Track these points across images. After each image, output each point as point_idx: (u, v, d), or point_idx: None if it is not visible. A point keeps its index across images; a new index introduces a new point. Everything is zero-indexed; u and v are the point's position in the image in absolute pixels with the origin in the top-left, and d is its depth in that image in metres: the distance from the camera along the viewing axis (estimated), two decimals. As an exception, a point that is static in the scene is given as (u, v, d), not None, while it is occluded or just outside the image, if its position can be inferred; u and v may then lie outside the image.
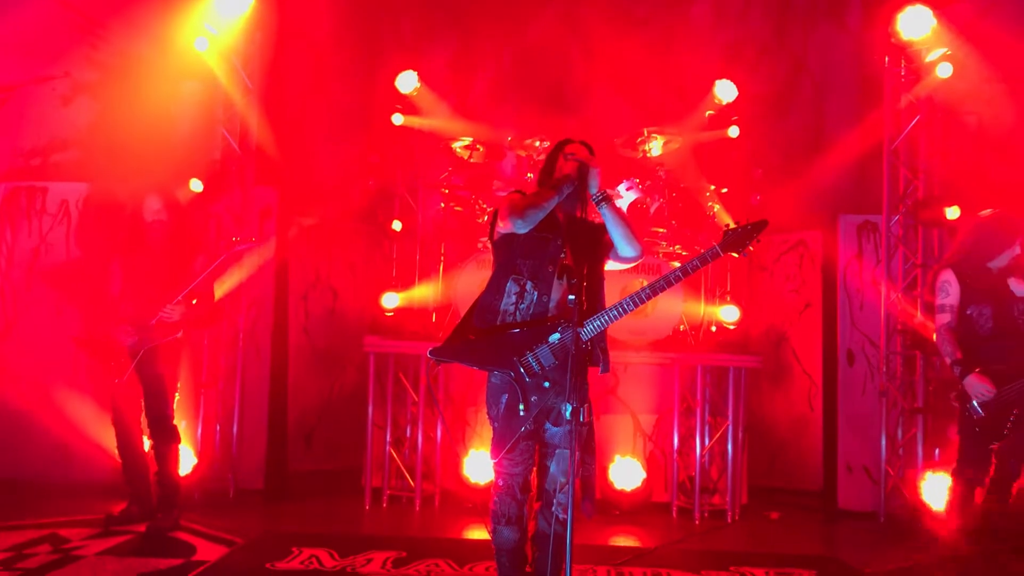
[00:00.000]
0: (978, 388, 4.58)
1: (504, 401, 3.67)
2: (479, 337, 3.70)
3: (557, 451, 3.68)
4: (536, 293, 3.68)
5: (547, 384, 3.61)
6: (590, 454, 3.76)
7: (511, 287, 3.70)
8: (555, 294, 3.68)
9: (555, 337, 3.59)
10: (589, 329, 3.59)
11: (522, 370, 3.61)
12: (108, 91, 6.96)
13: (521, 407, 3.61)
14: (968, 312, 4.75)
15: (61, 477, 6.27)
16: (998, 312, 4.70)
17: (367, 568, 4.67)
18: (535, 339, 3.62)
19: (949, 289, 4.79)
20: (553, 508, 3.67)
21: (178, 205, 5.52)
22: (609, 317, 3.60)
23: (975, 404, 4.63)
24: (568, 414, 3.35)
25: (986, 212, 4.89)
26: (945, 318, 4.77)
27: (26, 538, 5.02)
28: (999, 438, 4.66)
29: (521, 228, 3.65)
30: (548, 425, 3.70)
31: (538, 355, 3.61)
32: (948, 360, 4.74)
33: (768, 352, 7.33)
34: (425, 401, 6.45)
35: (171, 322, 5.24)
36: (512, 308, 3.69)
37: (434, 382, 6.50)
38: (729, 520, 6.23)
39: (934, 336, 4.90)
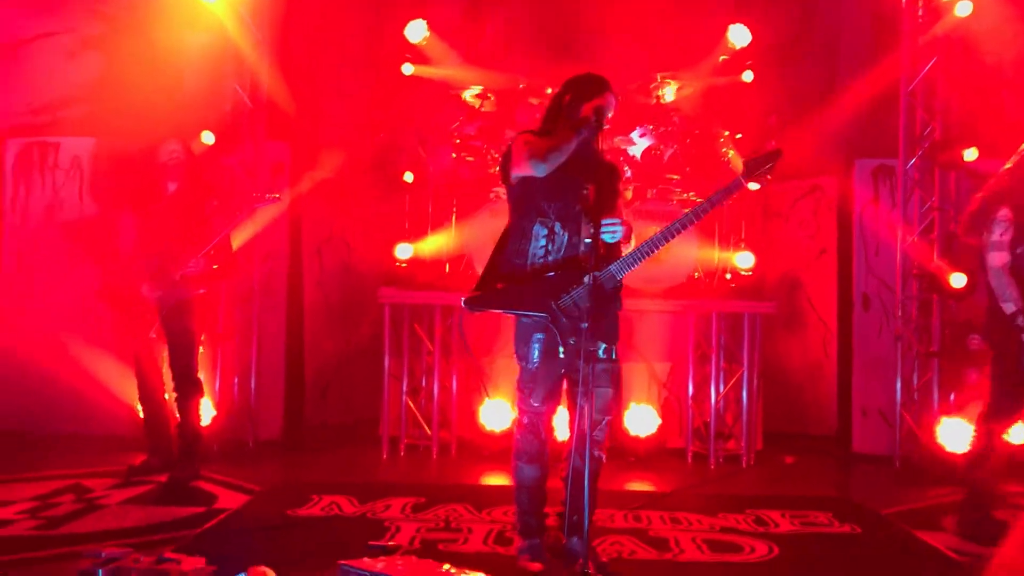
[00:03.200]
0: None
1: (539, 342, 3.67)
2: (513, 283, 3.69)
3: (596, 390, 3.57)
4: (567, 234, 3.67)
5: (584, 325, 3.49)
6: (618, 393, 3.82)
7: (539, 230, 3.69)
8: (584, 234, 3.65)
9: (590, 277, 3.54)
10: (624, 266, 3.62)
11: (560, 313, 3.61)
12: (115, 45, 6.88)
13: (561, 349, 3.60)
14: (1018, 251, 4.28)
15: (81, 431, 6.35)
16: None
17: (387, 513, 4.73)
18: (570, 281, 3.61)
19: (1007, 225, 4.30)
20: (587, 445, 3.56)
21: (192, 151, 5.54)
22: (643, 252, 3.61)
23: None
24: (602, 353, 3.36)
25: None
26: (1003, 257, 4.28)
27: (50, 488, 5.10)
28: None
29: (542, 172, 3.62)
30: (581, 364, 3.59)
31: (574, 296, 3.60)
32: (1008, 307, 4.24)
33: (783, 298, 7.30)
34: (440, 351, 6.47)
35: (195, 275, 5.24)
36: (542, 251, 3.68)
37: (449, 332, 6.52)
38: (744, 465, 6.26)
39: (990, 277, 4.34)
